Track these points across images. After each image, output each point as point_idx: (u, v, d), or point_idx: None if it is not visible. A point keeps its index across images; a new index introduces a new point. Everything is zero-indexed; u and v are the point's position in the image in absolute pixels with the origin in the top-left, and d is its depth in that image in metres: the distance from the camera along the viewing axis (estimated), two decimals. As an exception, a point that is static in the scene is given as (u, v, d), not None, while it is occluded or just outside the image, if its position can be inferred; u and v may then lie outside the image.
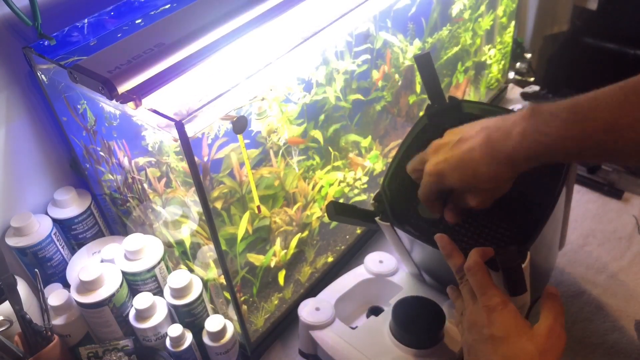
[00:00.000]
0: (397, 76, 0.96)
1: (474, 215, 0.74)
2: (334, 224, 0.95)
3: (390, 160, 1.03)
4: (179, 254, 0.82)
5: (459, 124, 0.63)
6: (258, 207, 0.77)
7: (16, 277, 0.74)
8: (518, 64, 1.39)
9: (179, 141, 0.58)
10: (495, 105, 0.81)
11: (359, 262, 0.87)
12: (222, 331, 0.78)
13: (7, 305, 0.71)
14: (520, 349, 0.54)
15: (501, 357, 0.54)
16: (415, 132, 0.77)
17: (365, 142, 0.96)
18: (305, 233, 0.89)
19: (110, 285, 0.76)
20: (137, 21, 0.74)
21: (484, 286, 0.58)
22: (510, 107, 1.26)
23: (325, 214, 0.72)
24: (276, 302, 0.89)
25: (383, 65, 0.91)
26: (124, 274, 0.78)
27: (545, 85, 1.34)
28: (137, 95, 0.58)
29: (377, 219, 0.71)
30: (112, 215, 0.90)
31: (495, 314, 0.56)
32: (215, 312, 0.83)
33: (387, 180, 0.73)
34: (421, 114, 0.78)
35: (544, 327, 0.56)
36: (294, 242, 0.87)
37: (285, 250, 0.87)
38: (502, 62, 1.30)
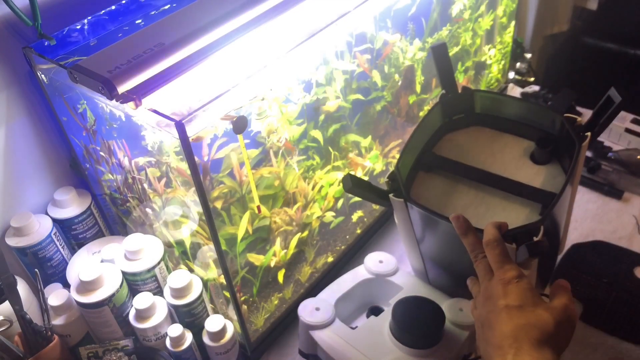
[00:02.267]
0: (397, 76, 0.96)
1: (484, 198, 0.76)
2: (333, 223, 0.95)
3: (390, 160, 1.04)
4: (179, 254, 0.82)
5: (470, 113, 0.70)
6: (258, 207, 0.77)
7: (16, 277, 0.74)
8: (518, 64, 1.40)
9: (179, 141, 0.58)
10: (507, 95, 0.82)
11: (359, 262, 0.86)
12: (222, 331, 0.78)
13: (7, 305, 0.71)
14: (536, 318, 0.54)
15: (516, 325, 0.54)
16: (428, 118, 0.80)
17: (365, 142, 0.96)
18: (305, 233, 0.89)
19: (110, 285, 0.76)
20: (137, 21, 0.74)
21: (501, 260, 0.59)
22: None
23: (342, 186, 0.75)
24: (276, 302, 0.89)
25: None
26: (124, 274, 0.78)
27: (545, 85, 1.34)
28: (137, 95, 0.58)
29: (390, 195, 0.72)
30: (112, 215, 0.90)
31: (511, 285, 0.57)
32: (215, 312, 0.83)
33: (400, 162, 0.75)
34: (426, 108, 0.79)
35: (559, 302, 0.57)
36: (293, 242, 0.87)
37: (285, 250, 0.87)
38: (502, 62, 1.30)
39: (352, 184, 0.72)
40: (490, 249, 0.60)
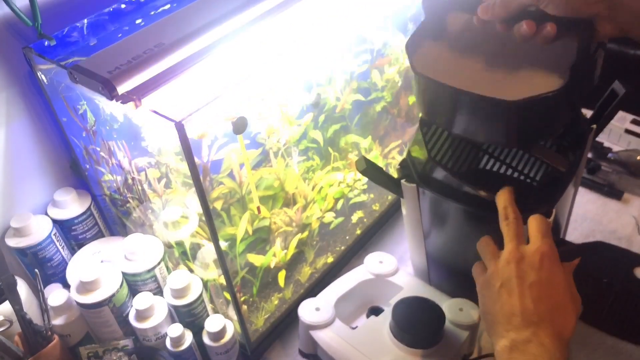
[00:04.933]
0: (397, 76, 0.96)
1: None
2: (333, 224, 0.95)
3: (390, 160, 1.04)
4: (179, 254, 0.82)
5: None
6: (258, 207, 0.77)
7: (16, 277, 0.74)
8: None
9: (179, 142, 0.58)
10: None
11: (359, 262, 0.87)
12: (222, 331, 0.78)
13: (7, 305, 0.71)
14: (564, 306, 0.54)
15: (546, 305, 0.54)
16: None
17: (365, 142, 0.96)
18: (305, 234, 0.89)
19: (110, 285, 0.76)
20: (137, 21, 0.74)
21: (547, 232, 0.58)
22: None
23: (356, 168, 0.74)
24: (276, 302, 0.89)
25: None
26: (124, 274, 0.78)
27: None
28: (137, 95, 0.58)
29: (402, 181, 0.71)
30: (112, 215, 0.90)
31: (548, 260, 0.56)
32: (215, 312, 0.83)
33: (411, 149, 0.74)
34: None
35: (574, 288, 0.57)
36: (293, 243, 0.87)
37: (285, 251, 0.87)
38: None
39: (367, 166, 0.72)
40: (540, 219, 0.58)
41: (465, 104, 0.60)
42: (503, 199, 0.61)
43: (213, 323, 0.78)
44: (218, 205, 0.73)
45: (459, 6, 0.65)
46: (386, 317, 0.76)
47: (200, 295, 0.78)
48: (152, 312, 0.77)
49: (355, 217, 1.00)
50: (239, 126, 0.65)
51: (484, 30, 0.64)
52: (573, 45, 0.58)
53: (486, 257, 0.61)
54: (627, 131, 1.14)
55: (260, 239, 0.81)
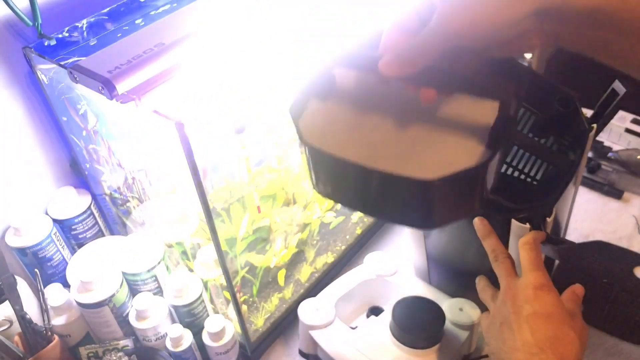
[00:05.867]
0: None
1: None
2: (333, 223, 0.95)
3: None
4: (179, 254, 0.82)
5: None
6: (258, 207, 0.77)
7: (16, 277, 0.74)
8: (518, 64, 1.39)
9: (179, 141, 0.58)
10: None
11: (359, 262, 0.87)
12: (222, 331, 0.78)
13: (7, 305, 0.71)
14: (564, 334, 0.54)
15: (544, 336, 0.54)
16: None
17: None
18: (305, 233, 0.89)
19: (110, 285, 0.76)
20: (137, 21, 0.74)
21: (537, 263, 0.58)
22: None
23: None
24: (276, 302, 0.89)
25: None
26: (124, 274, 0.78)
27: (545, 85, 1.33)
28: (137, 95, 0.58)
29: None
30: (112, 215, 0.90)
31: (542, 292, 0.56)
32: (215, 312, 0.83)
33: None
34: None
35: (580, 319, 0.57)
36: (294, 242, 0.87)
37: (285, 250, 0.87)
38: (502, 62, 1.29)
39: None
40: (528, 249, 0.59)
41: (373, 183, 0.48)
42: (489, 243, 0.63)
43: (213, 323, 0.78)
44: (218, 204, 0.73)
45: (348, 61, 0.54)
46: (386, 317, 0.76)
47: (200, 295, 0.78)
48: (152, 312, 0.77)
49: (355, 217, 1.00)
50: (239, 126, 0.65)
51: (382, 86, 0.52)
52: (494, 105, 0.48)
53: (486, 301, 0.64)
54: (627, 130, 1.14)
55: (260, 239, 0.81)
